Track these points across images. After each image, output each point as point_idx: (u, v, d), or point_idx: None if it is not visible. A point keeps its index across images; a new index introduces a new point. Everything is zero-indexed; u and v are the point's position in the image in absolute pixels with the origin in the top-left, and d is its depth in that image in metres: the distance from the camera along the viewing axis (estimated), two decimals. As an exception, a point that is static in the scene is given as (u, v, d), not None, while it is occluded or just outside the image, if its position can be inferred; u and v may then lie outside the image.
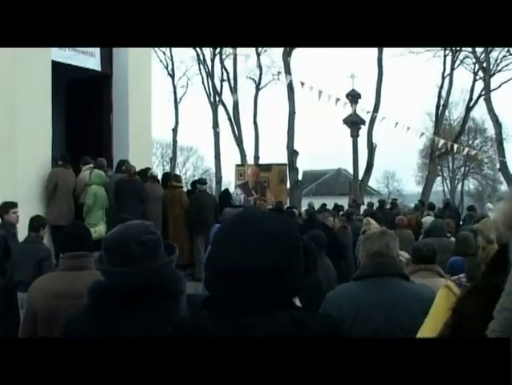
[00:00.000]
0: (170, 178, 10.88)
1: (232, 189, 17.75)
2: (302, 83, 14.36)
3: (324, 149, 75.12)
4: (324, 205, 16.26)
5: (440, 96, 28.29)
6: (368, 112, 18.49)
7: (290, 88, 24.50)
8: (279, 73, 17.89)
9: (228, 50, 31.49)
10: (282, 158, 24.45)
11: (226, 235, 1.30)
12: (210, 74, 33.50)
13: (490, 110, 27.62)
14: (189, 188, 12.43)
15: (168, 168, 47.31)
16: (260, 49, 30.02)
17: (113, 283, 1.93)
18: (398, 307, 2.74)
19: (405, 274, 3.00)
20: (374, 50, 25.26)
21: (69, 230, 3.41)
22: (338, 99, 15.23)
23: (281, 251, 1.25)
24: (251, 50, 30.74)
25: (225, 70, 32.66)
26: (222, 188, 21.36)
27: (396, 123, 16.77)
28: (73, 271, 3.10)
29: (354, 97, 21.41)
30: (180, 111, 38.54)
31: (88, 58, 10.84)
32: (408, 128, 17.14)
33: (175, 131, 38.08)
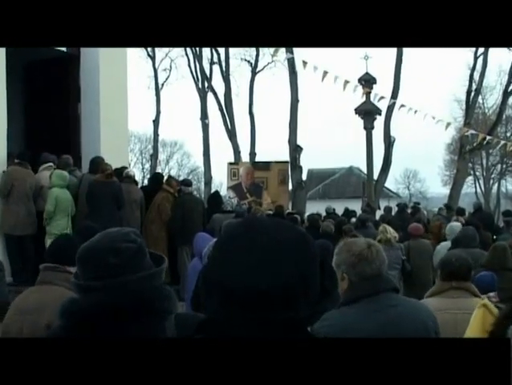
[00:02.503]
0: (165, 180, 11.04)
1: (224, 192, 17.78)
2: (305, 63, 14.34)
3: (333, 144, 75.28)
4: (333, 210, 16.28)
5: (471, 79, 28.29)
6: (383, 97, 18.30)
7: (293, 72, 24.54)
8: (277, 50, 17.74)
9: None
10: (283, 155, 24.48)
11: (228, 247, 1.28)
12: (198, 56, 33.54)
13: (533, 96, 27.65)
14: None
15: (147, 167, 47.39)
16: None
17: (86, 300, 1.94)
18: (399, 328, 2.77)
19: (397, 287, 3.10)
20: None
21: (53, 241, 3.82)
22: (347, 82, 15.12)
23: (295, 268, 1.22)
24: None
25: (216, 50, 32.68)
26: (212, 191, 21.36)
27: (416, 111, 16.65)
28: (39, 285, 3.47)
29: (368, 82, 21.48)
30: (163, 100, 38.61)
31: (51, 36, 10.84)
32: (433, 118, 17.08)
33: (156, 122, 38.13)
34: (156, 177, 11.93)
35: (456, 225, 9.36)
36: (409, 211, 16.12)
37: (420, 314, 2.90)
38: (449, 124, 18.40)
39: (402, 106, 17.43)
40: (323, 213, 15.67)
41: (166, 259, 2.16)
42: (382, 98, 17.84)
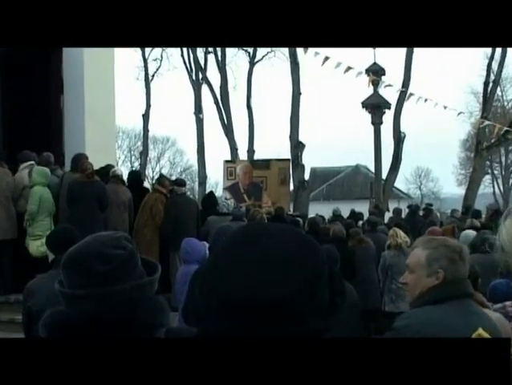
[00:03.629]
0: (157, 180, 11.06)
1: (219, 192, 17.80)
2: (306, 49, 14.29)
3: (338, 141, 75.48)
4: (340, 212, 16.28)
5: (489, 69, 28.34)
6: (390, 85, 18.19)
7: (294, 62, 24.57)
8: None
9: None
10: (284, 152, 24.54)
11: (228, 254, 1.26)
12: (191, 44, 33.63)
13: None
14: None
15: (137, 165, 47.41)
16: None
17: (69, 310, 1.92)
18: None
19: (473, 294, 3.12)
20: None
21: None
22: (349, 68, 14.93)
23: (301, 279, 1.21)
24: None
25: (211, 38, 32.74)
26: (207, 191, 21.37)
27: (426, 100, 16.57)
28: None
29: (376, 73, 21.47)
30: (153, 92, 38.70)
31: (31, 23, 10.84)
32: (445, 108, 17.01)
33: (146, 117, 38.17)
34: (134, 174, 11.90)
35: (471, 233, 9.28)
36: (421, 213, 16.13)
37: (495, 325, 2.93)
38: (460, 113, 18.32)
39: (411, 94, 17.33)
40: (327, 216, 15.68)
41: (159, 267, 2.11)
42: (389, 85, 17.74)
